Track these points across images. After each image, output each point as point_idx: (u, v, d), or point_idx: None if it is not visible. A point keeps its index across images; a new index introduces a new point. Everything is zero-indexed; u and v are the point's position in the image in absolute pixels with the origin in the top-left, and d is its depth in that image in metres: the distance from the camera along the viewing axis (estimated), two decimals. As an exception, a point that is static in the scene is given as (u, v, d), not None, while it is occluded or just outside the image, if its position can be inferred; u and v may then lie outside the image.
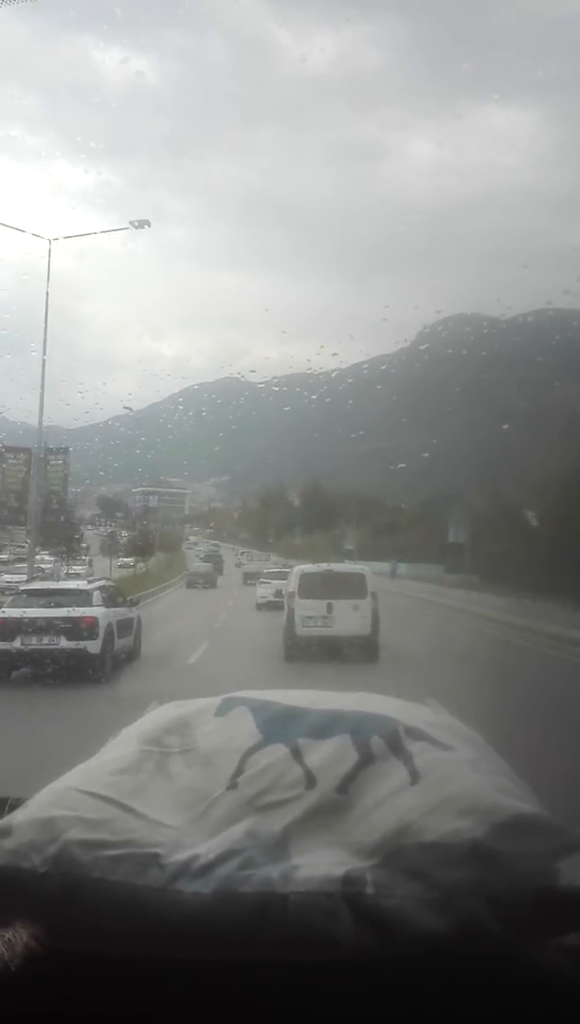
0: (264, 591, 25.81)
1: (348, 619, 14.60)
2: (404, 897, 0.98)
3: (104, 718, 8.44)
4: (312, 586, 15.13)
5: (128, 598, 15.65)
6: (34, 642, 12.29)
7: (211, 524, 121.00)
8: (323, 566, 16.87)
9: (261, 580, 28.24)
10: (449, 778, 1.10)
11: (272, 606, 22.32)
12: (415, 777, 1.11)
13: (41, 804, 1.13)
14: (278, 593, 21.30)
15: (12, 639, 12.33)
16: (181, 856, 1.04)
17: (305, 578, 15.46)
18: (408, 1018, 1.00)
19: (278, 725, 1.21)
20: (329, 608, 14.73)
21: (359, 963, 0.98)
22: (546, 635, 17.17)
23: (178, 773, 1.17)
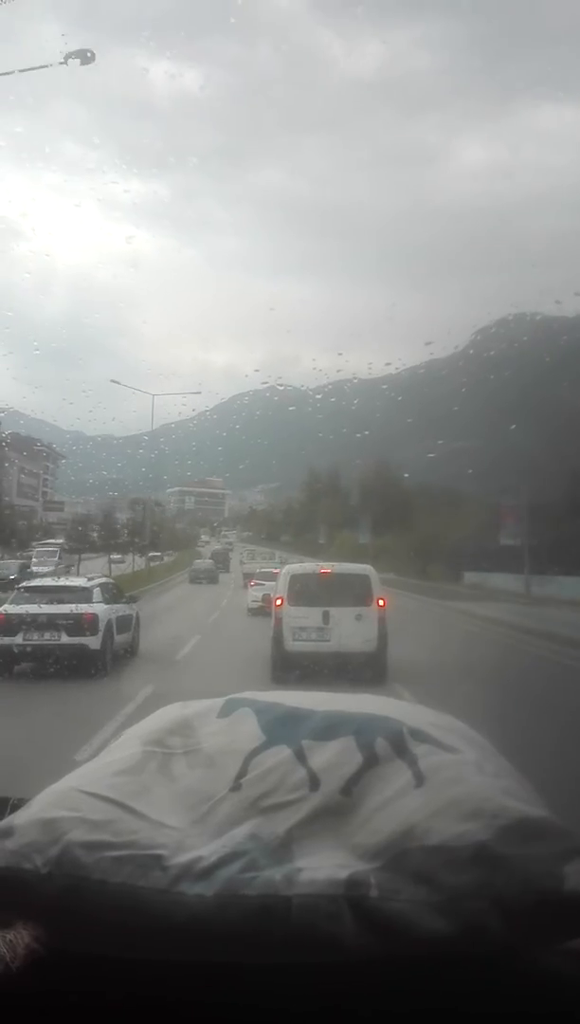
0: (256, 594, 23.21)
1: (349, 631, 11.73)
2: (409, 900, 0.97)
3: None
4: (304, 590, 12.26)
5: (128, 595, 15.83)
6: (35, 638, 12.56)
7: (245, 528, 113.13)
8: (318, 566, 14.16)
9: (255, 581, 25.39)
10: (454, 780, 1.09)
11: (265, 612, 18.22)
12: (420, 779, 1.10)
13: (43, 805, 1.12)
14: (266, 597, 18.25)
15: (14, 635, 12.57)
16: (184, 858, 1.03)
17: (296, 581, 12.46)
18: (412, 1020, 0.99)
19: (282, 727, 1.21)
20: (325, 618, 11.90)
21: (363, 966, 0.97)
22: None
23: (181, 774, 1.17)
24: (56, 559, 36.12)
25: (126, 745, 1.25)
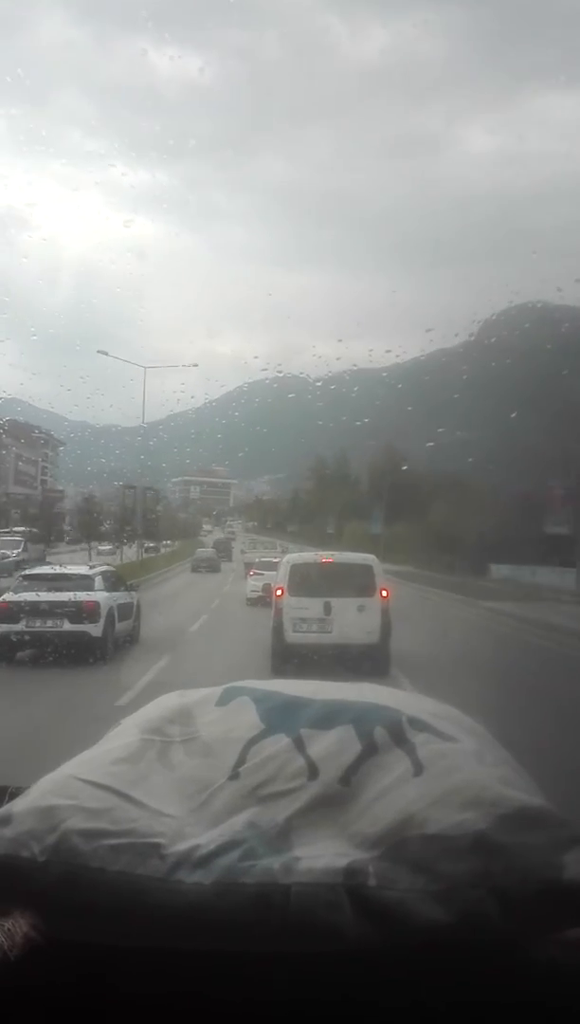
0: (255, 584, 22.49)
1: (351, 623, 11.43)
2: (407, 889, 0.97)
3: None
4: (305, 581, 11.90)
5: (129, 583, 15.98)
6: (38, 625, 12.73)
7: (251, 518, 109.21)
8: (320, 555, 13.67)
9: (254, 571, 24.58)
10: (453, 769, 1.09)
11: (264, 602, 17.79)
12: (418, 768, 1.10)
13: (41, 793, 1.12)
14: (266, 587, 17.69)
15: (17, 622, 12.71)
16: (182, 846, 1.03)
17: (296, 571, 12.15)
18: (411, 1010, 0.99)
19: (280, 715, 1.21)
20: (327, 608, 11.57)
21: (361, 955, 0.97)
22: None
23: (179, 763, 1.17)
24: (21, 549, 32.42)
25: (124, 733, 1.25)
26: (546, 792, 1.14)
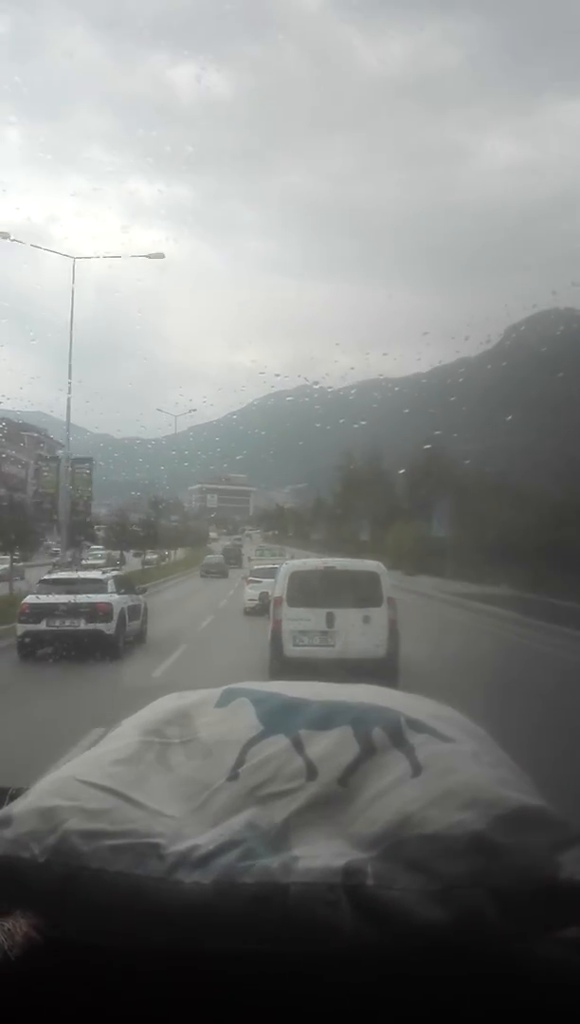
0: (252, 592, 21.26)
1: (356, 635, 10.60)
2: (405, 889, 0.97)
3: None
4: (306, 589, 10.98)
5: (138, 587, 17.40)
6: (57, 624, 14.06)
7: (272, 526, 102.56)
8: (322, 562, 12.54)
9: (250, 578, 23.57)
10: (451, 770, 1.09)
11: (264, 611, 16.74)
12: (417, 769, 1.10)
13: (41, 794, 1.13)
14: (264, 596, 16.73)
15: (39, 621, 14.11)
16: (181, 846, 1.03)
17: (296, 579, 11.19)
18: (408, 1009, 0.99)
19: (279, 716, 1.21)
20: (330, 620, 10.68)
21: (359, 954, 0.97)
22: None
23: (178, 764, 1.17)
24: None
25: (124, 735, 1.26)
26: (546, 791, 1.14)
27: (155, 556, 47.10)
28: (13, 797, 1.19)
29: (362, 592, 10.96)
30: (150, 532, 44.89)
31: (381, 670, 9.95)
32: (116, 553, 44.53)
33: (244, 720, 1.21)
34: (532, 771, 1.21)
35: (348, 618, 10.78)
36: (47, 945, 1.03)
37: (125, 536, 42.10)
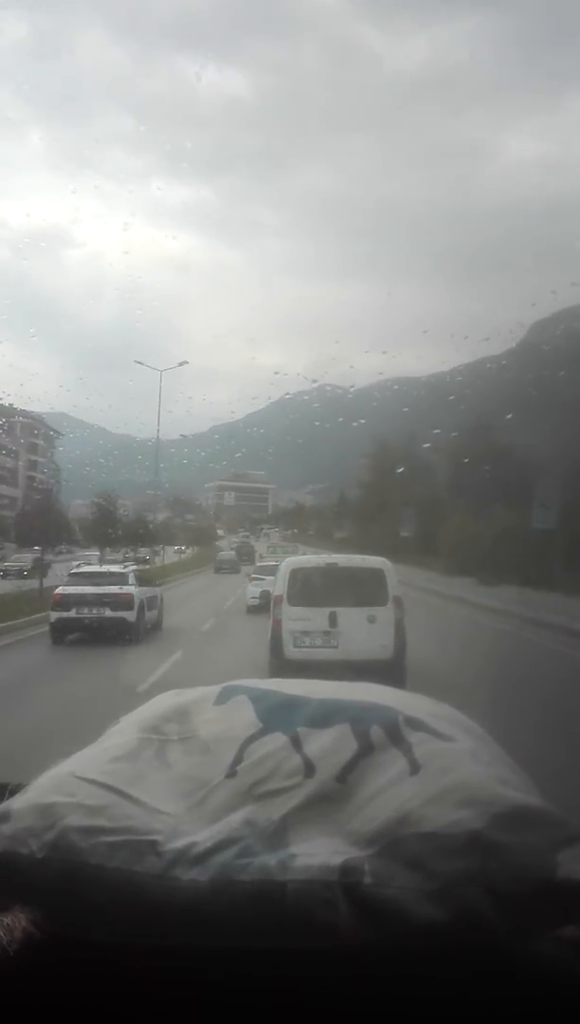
0: (254, 590, 20.97)
1: (361, 636, 9.98)
2: (402, 887, 0.97)
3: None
4: (307, 587, 10.40)
5: (155, 581, 19.82)
6: (85, 612, 15.86)
7: (291, 525, 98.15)
8: (324, 558, 11.81)
9: (253, 576, 23.09)
10: (449, 768, 1.09)
11: (265, 609, 16.17)
12: (415, 767, 1.10)
13: (40, 790, 1.13)
14: (265, 594, 16.21)
15: (69, 609, 15.96)
16: (179, 843, 1.03)
17: (297, 576, 10.55)
18: (406, 1008, 0.99)
19: (278, 714, 1.21)
20: (332, 620, 10.08)
21: (356, 952, 0.97)
22: None
23: (177, 761, 1.18)
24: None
25: (123, 732, 1.26)
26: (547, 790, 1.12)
27: (143, 555, 44.65)
28: (12, 793, 1.19)
29: (367, 590, 10.36)
30: (143, 531, 44.06)
31: (387, 673, 9.00)
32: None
33: (243, 717, 1.21)
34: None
35: (352, 618, 10.16)
36: (45, 941, 1.03)
37: (103, 534, 38.70)
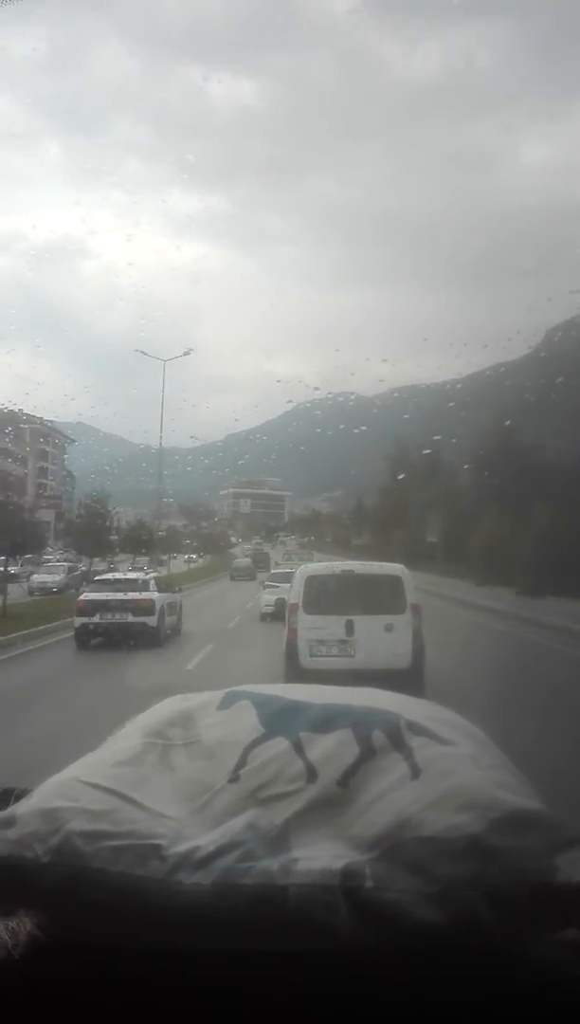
0: (269, 597, 20.68)
1: (378, 645, 9.73)
2: (403, 891, 0.97)
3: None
4: (323, 595, 10.19)
5: (175, 588, 20.37)
6: (109, 617, 16.48)
7: (308, 533, 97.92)
8: (340, 565, 11.60)
9: (267, 583, 23.04)
10: (449, 773, 1.10)
11: (279, 616, 15.99)
12: (416, 772, 1.11)
13: (44, 795, 1.14)
14: (280, 602, 16.54)
15: (93, 615, 16.54)
16: (182, 847, 1.04)
17: (313, 583, 10.31)
18: (406, 1010, 1.00)
19: (280, 719, 1.22)
20: (349, 628, 9.86)
21: (357, 955, 0.98)
22: None
23: (180, 765, 1.18)
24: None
25: (127, 736, 1.27)
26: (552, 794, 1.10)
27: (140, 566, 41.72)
28: (18, 798, 1.20)
29: (384, 597, 10.10)
30: (147, 537, 43.47)
31: (405, 682, 8.09)
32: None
33: (246, 722, 1.22)
34: None
35: (369, 626, 9.90)
36: (50, 944, 1.04)
37: (93, 542, 36.12)
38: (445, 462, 47.06)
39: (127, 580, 18.46)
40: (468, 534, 34.17)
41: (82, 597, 17.41)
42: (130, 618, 16.39)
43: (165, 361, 37.46)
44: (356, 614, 9.94)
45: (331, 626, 9.97)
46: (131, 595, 16.84)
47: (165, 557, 46.65)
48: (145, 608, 16.55)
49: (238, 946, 0.99)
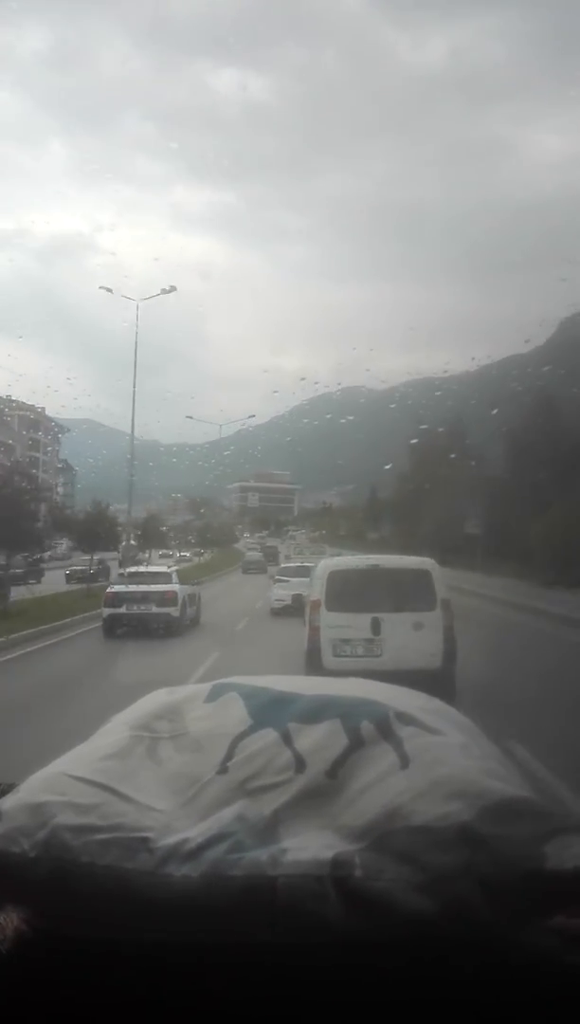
0: (281, 592, 20.71)
1: (406, 644, 8.99)
2: (393, 880, 0.97)
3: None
4: (347, 591, 9.46)
5: (194, 581, 22.64)
6: (134, 608, 17.76)
7: (319, 527, 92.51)
8: (365, 560, 10.60)
9: (277, 578, 22.63)
10: (438, 762, 1.10)
11: (292, 611, 16.86)
12: (405, 761, 1.10)
13: (31, 789, 1.14)
14: (297, 598, 16.62)
15: (119, 606, 17.88)
16: (170, 840, 1.04)
17: (336, 579, 9.63)
18: (397, 999, 1.00)
19: (268, 710, 1.21)
20: (375, 626, 9.14)
21: (348, 945, 0.97)
22: None
23: (168, 758, 1.18)
24: None
25: (114, 730, 1.26)
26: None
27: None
28: (4, 792, 1.19)
29: (412, 594, 9.39)
30: (142, 531, 43.45)
31: (435, 684, 7.05)
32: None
33: (234, 714, 1.22)
34: None
35: (397, 624, 9.20)
36: (38, 939, 1.04)
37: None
38: (474, 450, 43.03)
39: (151, 573, 20.41)
40: (520, 525, 29.78)
41: (110, 589, 18.71)
42: (154, 609, 17.52)
43: (139, 302, 35.42)
44: (383, 611, 9.25)
45: (356, 624, 9.27)
46: (155, 587, 18.06)
47: (161, 553, 46.29)
48: (169, 599, 17.76)
49: (228, 937, 0.98)
